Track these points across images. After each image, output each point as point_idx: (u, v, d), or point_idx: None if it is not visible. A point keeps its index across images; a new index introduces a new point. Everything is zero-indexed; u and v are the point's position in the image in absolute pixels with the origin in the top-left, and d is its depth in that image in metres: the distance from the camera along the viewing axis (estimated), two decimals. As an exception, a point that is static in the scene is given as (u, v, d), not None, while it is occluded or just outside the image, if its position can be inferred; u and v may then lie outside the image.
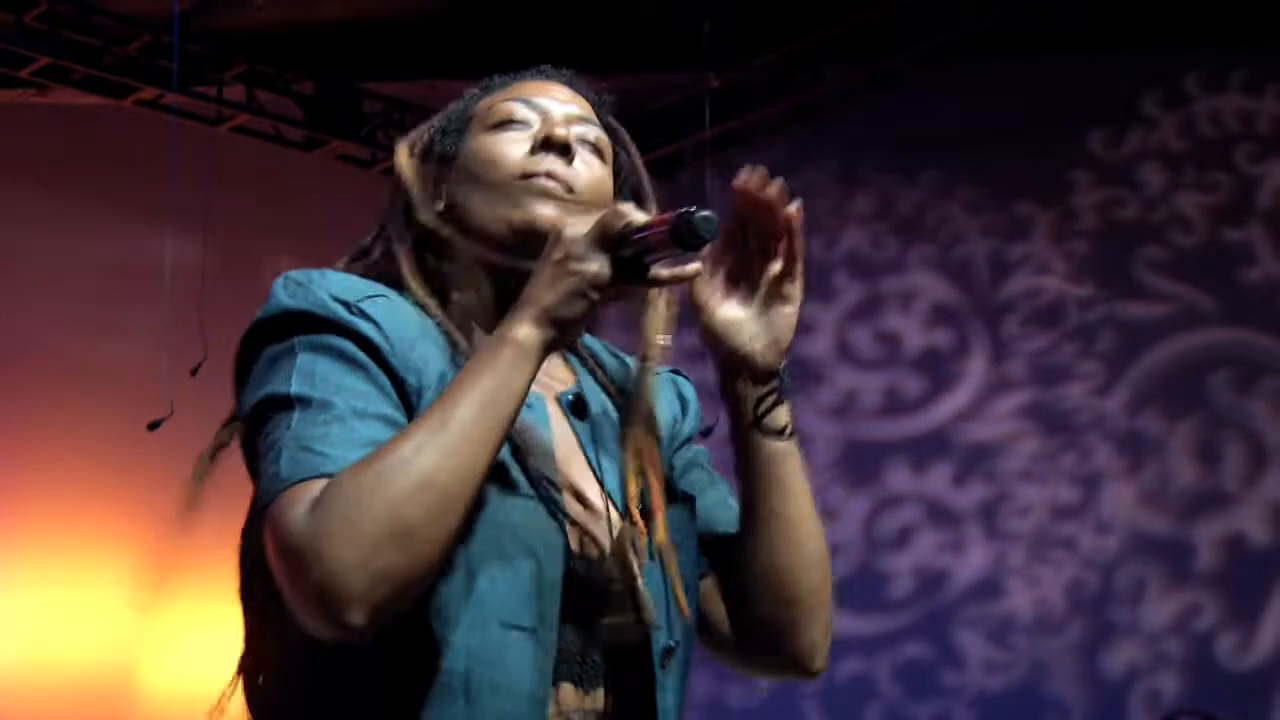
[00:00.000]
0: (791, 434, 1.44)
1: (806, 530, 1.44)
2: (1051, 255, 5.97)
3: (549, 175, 1.42)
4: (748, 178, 1.37)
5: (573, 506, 1.35)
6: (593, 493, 1.38)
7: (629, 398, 1.46)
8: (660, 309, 1.44)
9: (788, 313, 1.42)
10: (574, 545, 1.34)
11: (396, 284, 1.41)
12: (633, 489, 1.38)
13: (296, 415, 1.26)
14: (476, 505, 1.25)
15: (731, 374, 1.43)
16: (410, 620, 1.24)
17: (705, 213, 1.27)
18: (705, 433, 1.60)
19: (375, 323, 1.32)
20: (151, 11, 5.39)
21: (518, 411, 1.28)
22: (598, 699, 1.35)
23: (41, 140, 5.78)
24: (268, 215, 5.90)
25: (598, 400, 1.47)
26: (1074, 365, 5.87)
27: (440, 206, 1.46)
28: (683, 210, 1.27)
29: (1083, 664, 5.66)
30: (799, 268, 1.42)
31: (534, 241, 1.35)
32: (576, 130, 1.46)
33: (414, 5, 5.56)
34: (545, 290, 1.29)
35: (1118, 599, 5.66)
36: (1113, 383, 5.80)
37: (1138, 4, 5.52)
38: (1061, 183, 5.97)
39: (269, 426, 1.28)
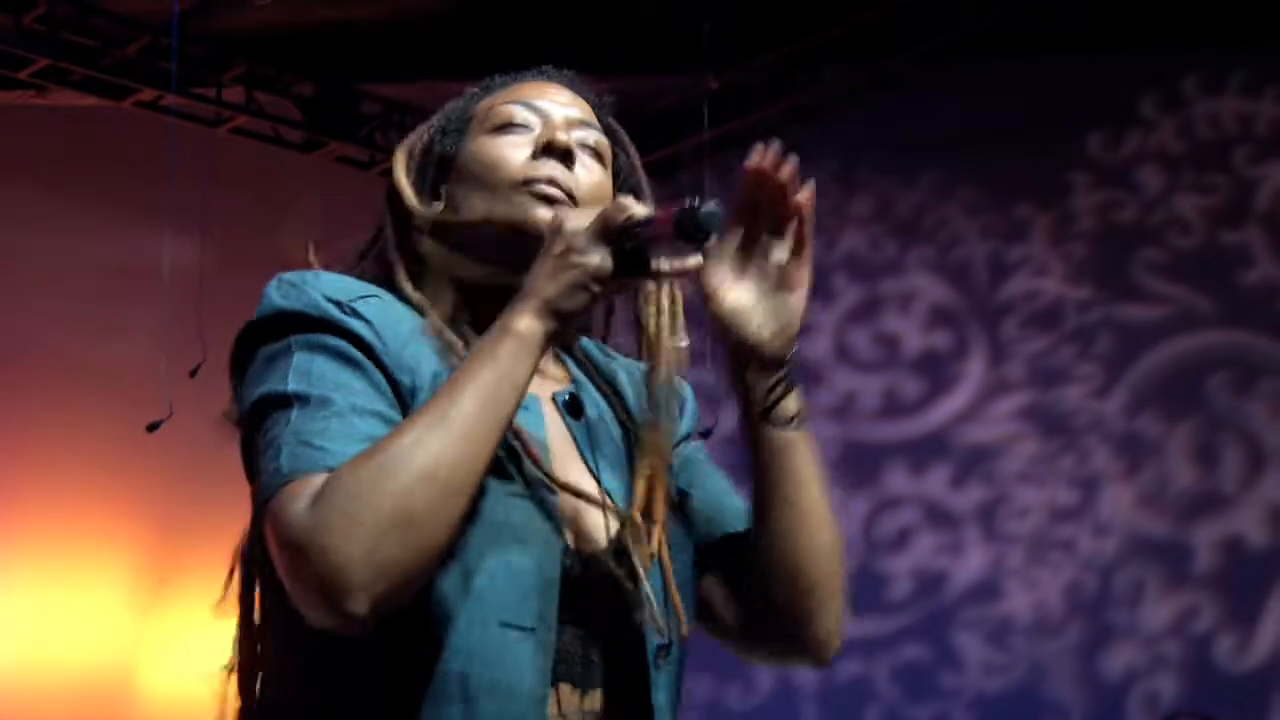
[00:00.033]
0: (802, 423, 1.42)
1: (819, 519, 1.43)
2: (1050, 257, 5.97)
3: (550, 181, 1.42)
4: (760, 157, 1.35)
5: (570, 506, 1.35)
6: (590, 492, 1.38)
7: (645, 399, 1.45)
8: (666, 308, 1.44)
9: (796, 299, 1.40)
10: (571, 545, 1.34)
11: (391, 285, 1.42)
12: (640, 490, 1.38)
13: (295, 412, 1.27)
14: (474, 505, 1.26)
15: (741, 363, 1.41)
16: (408, 620, 1.24)
17: (710, 206, 1.27)
18: (704, 434, 1.60)
19: (368, 322, 1.33)
20: (150, 13, 5.39)
21: (519, 403, 1.28)
22: (595, 699, 1.35)
23: (41, 141, 5.78)
24: (266, 216, 5.90)
25: (593, 400, 1.47)
26: (1072, 367, 5.87)
27: (440, 207, 1.46)
28: (687, 203, 1.26)
29: (1081, 666, 5.66)
30: (808, 252, 1.39)
31: (534, 245, 1.35)
32: (577, 135, 1.46)
33: (413, 7, 5.55)
34: (546, 282, 1.29)
35: (1116, 601, 5.66)
36: (1111, 385, 5.80)
37: (1137, 4, 5.52)
38: (1060, 184, 5.97)
39: (268, 424, 1.28)
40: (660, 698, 1.37)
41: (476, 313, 1.41)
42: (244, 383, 1.34)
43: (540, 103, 1.48)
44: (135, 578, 5.77)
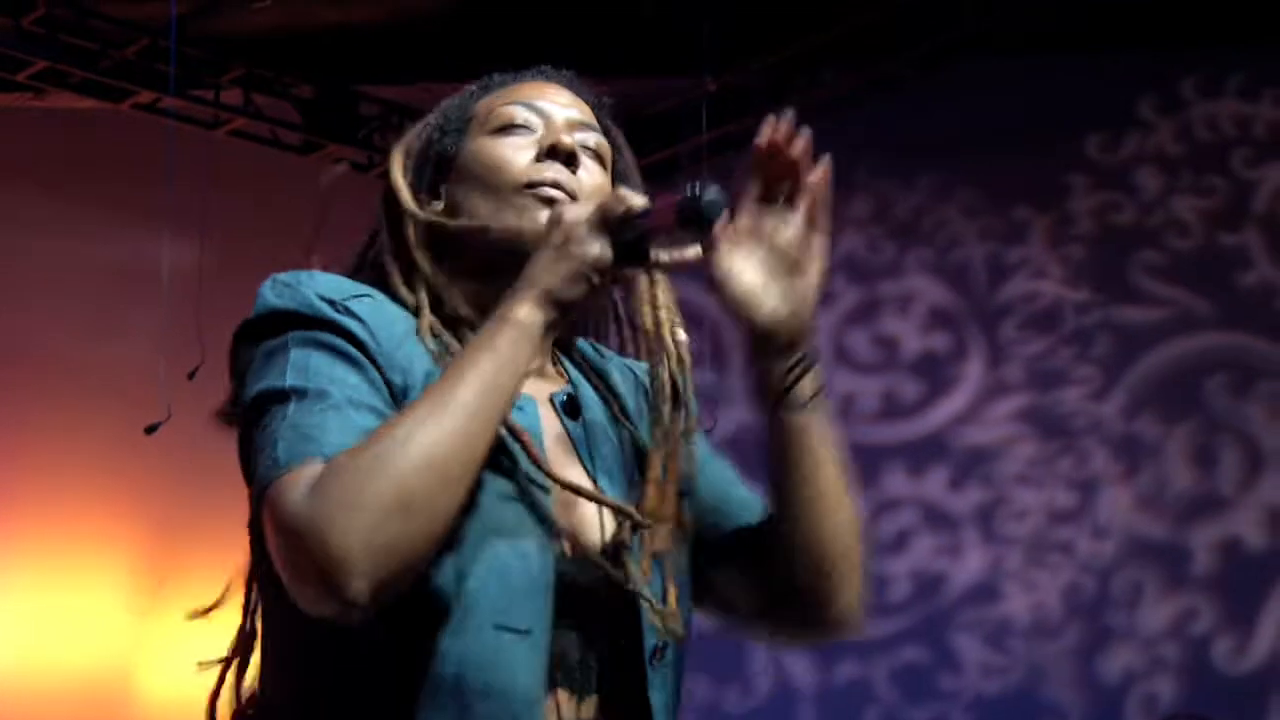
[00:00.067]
0: (819, 404, 1.41)
1: (837, 499, 1.44)
2: (1048, 259, 5.97)
3: (554, 184, 1.42)
4: (773, 130, 1.32)
5: (566, 506, 1.35)
6: (589, 492, 1.37)
7: (651, 397, 1.43)
8: (662, 304, 1.42)
9: (809, 280, 1.37)
10: (567, 546, 1.33)
11: (386, 286, 1.42)
12: (651, 492, 1.37)
13: (292, 406, 1.27)
14: (471, 500, 1.25)
15: (756, 347, 1.39)
16: (403, 617, 1.24)
17: (712, 193, 1.26)
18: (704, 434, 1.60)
19: (362, 320, 1.33)
20: (149, 15, 5.39)
21: (518, 391, 1.28)
22: (591, 706, 1.35)
23: (39, 144, 5.78)
24: (265, 219, 5.89)
25: (591, 401, 1.47)
26: (1071, 369, 5.87)
27: (439, 207, 1.46)
28: (689, 190, 1.26)
29: (1079, 668, 5.66)
30: (822, 232, 1.36)
31: (536, 248, 1.35)
32: (579, 137, 1.46)
33: (411, 8, 5.56)
34: (546, 272, 1.30)
35: (1114, 603, 5.66)
36: (1109, 387, 5.80)
37: (1137, 5, 5.53)
38: (1058, 187, 5.97)
39: (266, 419, 1.28)
40: (657, 698, 1.37)
41: (472, 313, 1.40)
42: (241, 382, 1.34)
43: (541, 104, 1.48)
44: (134, 579, 5.77)
